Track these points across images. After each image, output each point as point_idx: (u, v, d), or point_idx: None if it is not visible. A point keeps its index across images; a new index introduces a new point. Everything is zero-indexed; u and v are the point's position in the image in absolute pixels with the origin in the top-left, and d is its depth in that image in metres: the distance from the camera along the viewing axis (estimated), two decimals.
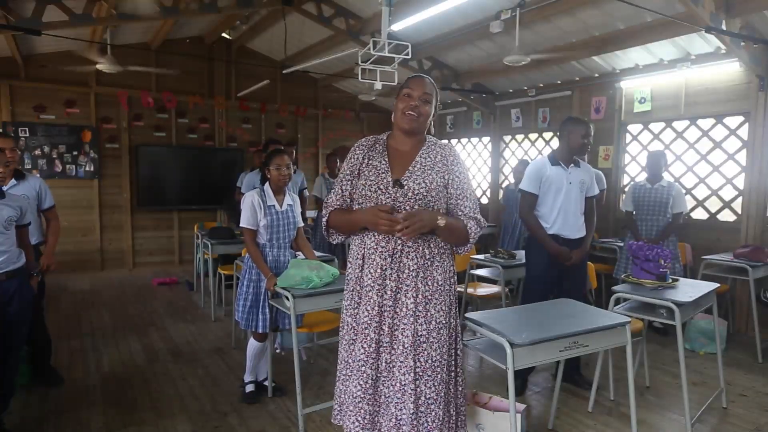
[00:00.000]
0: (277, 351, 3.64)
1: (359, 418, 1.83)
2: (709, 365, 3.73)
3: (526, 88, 6.71)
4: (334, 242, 2.03)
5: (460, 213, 1.89)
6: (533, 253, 3.28)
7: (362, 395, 1.83)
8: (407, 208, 1.82)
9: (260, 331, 2.99)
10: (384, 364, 1.83)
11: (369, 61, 4.44)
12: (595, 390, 3.07)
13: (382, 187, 1.85)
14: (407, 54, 4.16)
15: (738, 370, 3.71)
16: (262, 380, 3.22)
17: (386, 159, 1.91)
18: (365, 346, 1.84)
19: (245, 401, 3.09)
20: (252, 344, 3.08)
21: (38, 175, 4.02)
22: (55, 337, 3.70)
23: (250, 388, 3.15)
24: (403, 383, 1.80)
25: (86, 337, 4.29)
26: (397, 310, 1.84)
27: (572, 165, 3.23)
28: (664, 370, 3.70)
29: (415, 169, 1.88)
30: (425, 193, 1.84)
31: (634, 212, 4.58)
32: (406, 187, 1.84)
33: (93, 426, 2.80)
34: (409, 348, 1.81)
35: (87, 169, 6.93)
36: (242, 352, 3.49)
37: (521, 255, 3.85)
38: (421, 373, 1.81)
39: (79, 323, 4.71)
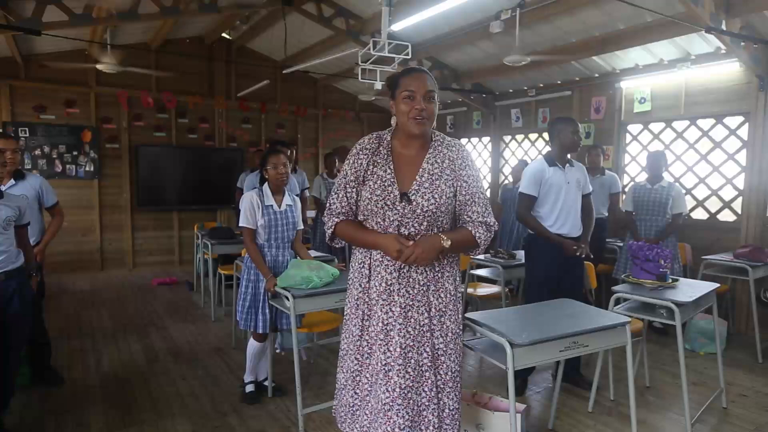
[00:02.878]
0: (277, 351, 3.64)
1: None
2: (709, 365, 3.73)
3: (526, 88, 6.71)
4: (337, 246, 1.98)
5: (467, 218, 1.82)
6: (535, 254, 3.28)
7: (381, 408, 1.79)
8: (415, 225, 1.76)
9: (259, 331, 2.99)
10: (398, 389, 1.73)
11: (369, 61, 4.44)
12: (595, 390, 3.07)
13: (389, 202, 1.76)
14: (407, 54, 4.17)
15: (738, 370, 3.71)
16: (262, 380, 3.22)
17: (391, 167, 1.81)
18: (380, 363, 1.78)
19: (245, 401, 3.10)
20: (252, 344, 3.08)
21: (38, 174, 4.01)
22: (55, 337, 3.71)
23: (250, 388, 3.15)
24: (427, 399, 1.77)
25: (86, 337, 4.28)
26: (409, 329, 1.77)
27: (567, 165, 3.26)
28: (664, 370, 3.70)
29: (423, 179, 1.78)
30: (434, 210, 1.76)
31: (633, 212, 4.59)
32: (414, 203, 1.76)
33: (93, 426, 2.81)
34: (429, 364, 1.77)
35: (87, 169, 6.93)
36: (242, 352, 3.49)
37: (521, 255, 3.85)
38: (442, 386, 1.79)
39: (79, 323, 4.70)
